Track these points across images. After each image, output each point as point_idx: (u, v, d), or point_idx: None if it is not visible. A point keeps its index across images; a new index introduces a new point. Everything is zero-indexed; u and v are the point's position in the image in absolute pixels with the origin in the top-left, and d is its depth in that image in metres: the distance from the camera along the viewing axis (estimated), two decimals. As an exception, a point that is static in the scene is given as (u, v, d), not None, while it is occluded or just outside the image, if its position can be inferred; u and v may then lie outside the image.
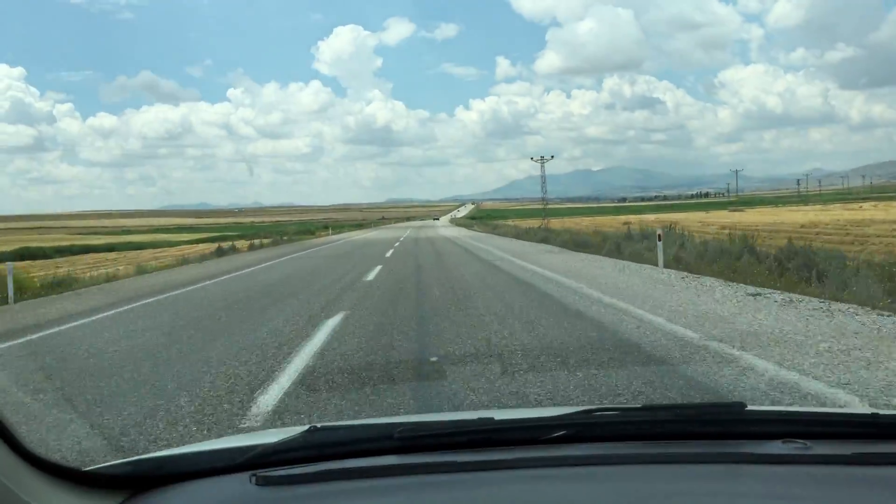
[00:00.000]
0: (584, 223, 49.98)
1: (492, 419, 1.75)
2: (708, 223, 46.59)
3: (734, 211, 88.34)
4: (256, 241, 40.52)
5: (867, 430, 1.63)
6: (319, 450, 1.55)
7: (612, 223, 47.76)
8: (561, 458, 1.52)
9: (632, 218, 60.56)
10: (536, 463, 1.48)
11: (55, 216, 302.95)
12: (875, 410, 2.01)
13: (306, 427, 1.61)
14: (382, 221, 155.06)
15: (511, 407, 4.64)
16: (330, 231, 68.78)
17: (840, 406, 4.43)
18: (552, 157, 58.31)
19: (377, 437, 1.61)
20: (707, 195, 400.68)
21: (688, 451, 1.54)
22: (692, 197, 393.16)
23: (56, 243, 73.30)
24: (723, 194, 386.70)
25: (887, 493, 1.35)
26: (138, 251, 57.35)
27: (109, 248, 66.38)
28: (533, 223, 44.04)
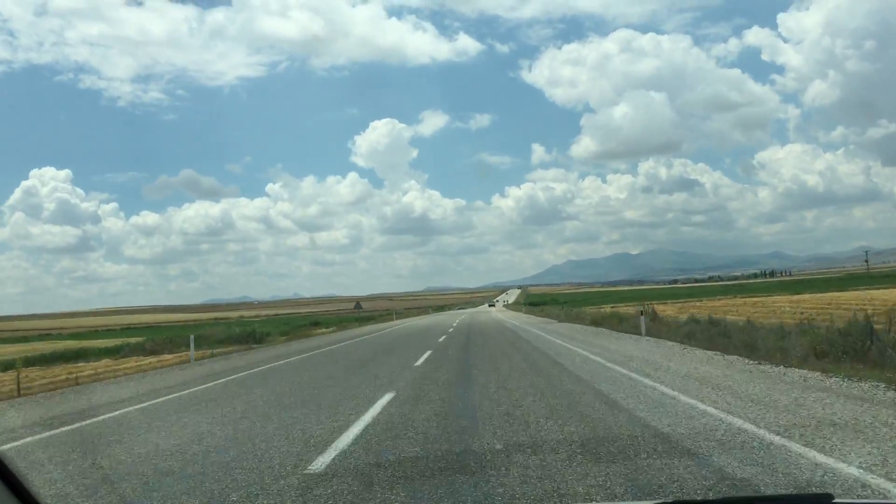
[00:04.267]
0: (699, 308, 43.03)
1: None
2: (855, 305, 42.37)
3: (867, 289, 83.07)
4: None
5: None
6: None
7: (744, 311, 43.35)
8: None
9: (781, 301, 55.48)
10: None
11: (94, 312, 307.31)
12: None
13: None
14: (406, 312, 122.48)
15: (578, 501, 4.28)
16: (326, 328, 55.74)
17: None
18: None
19: None
20: (770, 273, 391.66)
21: None
22: (751, 277, 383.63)
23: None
24: (784, 273, 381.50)
25: None
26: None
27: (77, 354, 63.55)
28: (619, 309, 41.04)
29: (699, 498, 3.79)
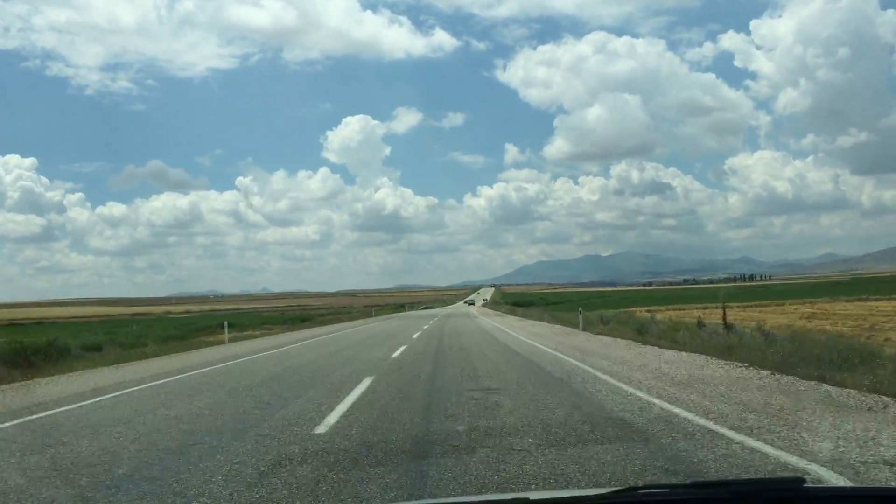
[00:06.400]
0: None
1: (527, 499, 1.64)
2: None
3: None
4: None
5: None
6: None
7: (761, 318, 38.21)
8: None
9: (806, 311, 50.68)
10: None
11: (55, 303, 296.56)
12: None
13: None
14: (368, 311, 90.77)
15: (544, 488, 4.33)
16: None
17: None
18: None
19: None
20: (752, 278, 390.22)
21: None
22: (725, 281, 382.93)
23: None
24: (763, 277, 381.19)
25: None
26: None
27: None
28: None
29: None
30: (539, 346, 19.00)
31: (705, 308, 59.58)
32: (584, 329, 27.09)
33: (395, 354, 17.57)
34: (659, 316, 30.56)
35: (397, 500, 4.49)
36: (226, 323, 33.11)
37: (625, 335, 21.28)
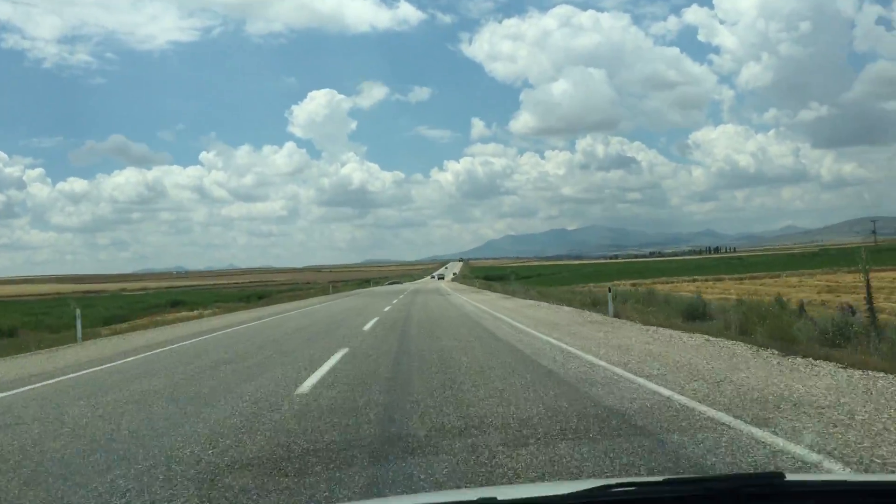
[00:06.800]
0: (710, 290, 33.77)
1: (494, 499, 1.60)
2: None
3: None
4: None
5: None
6: None
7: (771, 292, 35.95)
8: None
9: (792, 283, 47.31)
10: None
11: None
12: None
13: None
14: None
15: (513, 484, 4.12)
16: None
17: None
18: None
19: None
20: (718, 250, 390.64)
21: None
22: (690, 254, 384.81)
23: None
24: (728, 249, 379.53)
25: None
26: None
27: None
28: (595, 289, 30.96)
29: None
30: (626, 376, 8.50)
31: (694, 280, 57.68)
32: (618, 315, 18.01)
33: (303, 388, 8.45)
34: (661, 289, 27.51)
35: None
36: (77, 311, 20.19)
37: (701, 330, 13.21)
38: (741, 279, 56.30)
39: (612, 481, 1.71)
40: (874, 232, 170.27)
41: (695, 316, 15.62)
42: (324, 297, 53.69)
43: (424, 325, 18.36)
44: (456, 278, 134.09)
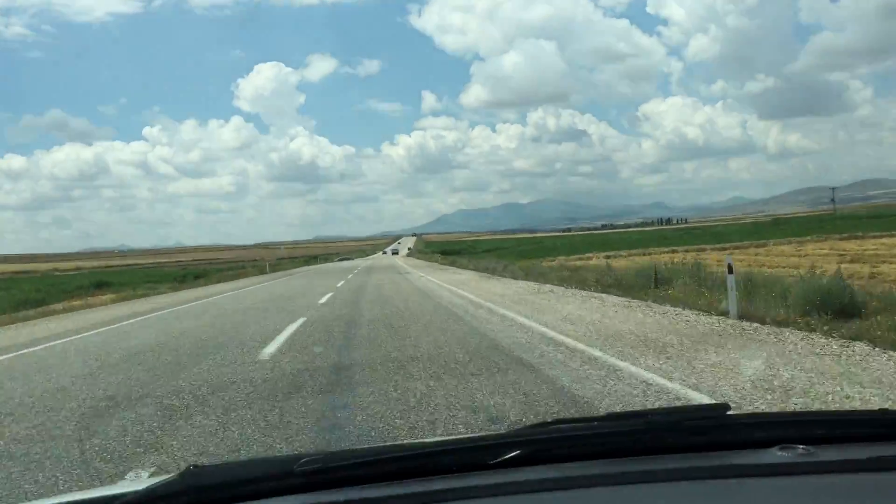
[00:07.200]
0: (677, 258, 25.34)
1: (423, 442, 1.42)
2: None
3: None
4: None
5: (876, 431, 1.39)
6: (199, 494, 1.20)
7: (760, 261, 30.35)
8: (514, 483, 1.21)
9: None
10: (484, 492, 1.18)
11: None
12: (884, 407, 1.66)
13: (183, 469, 1.27)
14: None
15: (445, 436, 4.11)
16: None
17: None
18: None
19: (274, 474, 1.25)
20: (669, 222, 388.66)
21: (666, 468, 1.26)
22: (640, 225, 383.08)
23: None
24: (679, 221, 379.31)
25: None
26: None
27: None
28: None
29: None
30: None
31: (681, 252, 52.08)
32: (743, 315, 9.60)
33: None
34: (663, 260, 20.41)
35: None
36: None
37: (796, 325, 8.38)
38: (724, 248, 51.63)
39: (549, 420, 1.63)
40: (833, 200, 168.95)
41: (842, 309, 8.44)
42: (254, 279, 44.20)
43: (382, 338, 9.77)
44: (411, 253, 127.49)
